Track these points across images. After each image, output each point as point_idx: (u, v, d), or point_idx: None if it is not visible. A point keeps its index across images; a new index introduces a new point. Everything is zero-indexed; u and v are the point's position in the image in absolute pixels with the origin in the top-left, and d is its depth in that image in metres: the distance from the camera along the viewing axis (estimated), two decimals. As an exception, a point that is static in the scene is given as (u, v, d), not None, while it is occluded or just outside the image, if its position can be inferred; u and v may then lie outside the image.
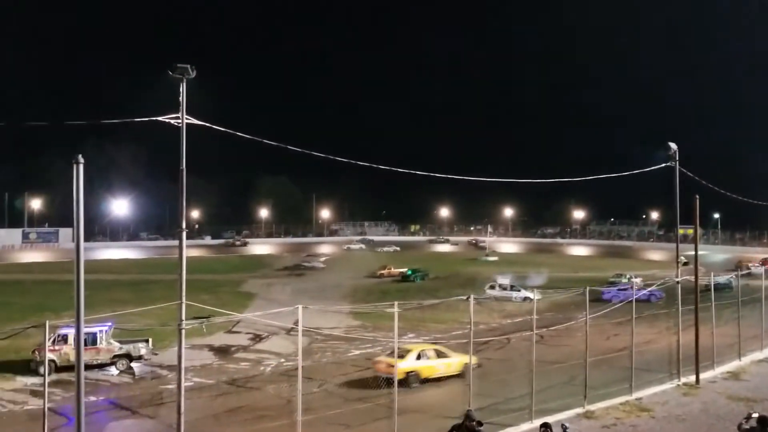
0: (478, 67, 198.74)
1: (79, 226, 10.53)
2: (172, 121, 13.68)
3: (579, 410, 18.01)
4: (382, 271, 59.57)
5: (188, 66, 13.28)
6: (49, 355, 23.19)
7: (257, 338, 30.70)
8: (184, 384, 12.77)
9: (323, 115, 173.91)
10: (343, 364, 25.60)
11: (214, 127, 14.84)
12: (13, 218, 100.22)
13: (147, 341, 25.76)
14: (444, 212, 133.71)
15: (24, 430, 17.87)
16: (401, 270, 58.82)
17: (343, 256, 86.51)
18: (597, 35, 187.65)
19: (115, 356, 24.77)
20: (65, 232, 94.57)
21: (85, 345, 23.32)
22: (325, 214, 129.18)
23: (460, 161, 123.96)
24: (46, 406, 12.15)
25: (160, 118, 13.80)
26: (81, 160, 10.58)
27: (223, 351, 28.21)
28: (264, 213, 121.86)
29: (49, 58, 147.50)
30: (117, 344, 25.06)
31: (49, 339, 23.20)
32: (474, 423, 11.60)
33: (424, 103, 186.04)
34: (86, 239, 10.79)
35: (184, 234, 13.52)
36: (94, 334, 24.54)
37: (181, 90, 13.55)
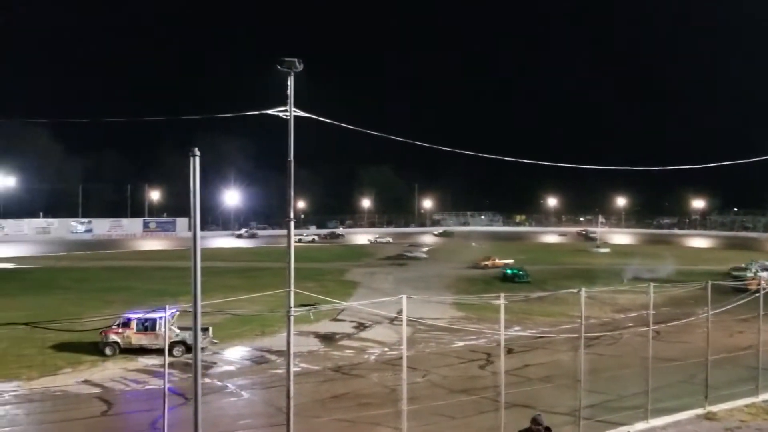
0: (583, 54, 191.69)
1: (196, 215, 10.94)
2: (280, 114, 13.97)
3: (699, 411, 16.98)
4: (486, 262, 58.78)
5: (295, 60, 13.48)
6: (114, 337, 25.60)
7: (361, 326, 31.10)
8: (293, 369, 13.05)
9: (427, 104, 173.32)
10: (447, 355, 25.46)
11: (320, 119, 15.04)
12: (135, 208, 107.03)
13: (207, 329, 26.14)
14: (552, 202, 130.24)
15: (148, 407, 18.91)
16: (506, 261, 57.87)
17: (445, 246, 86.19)
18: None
19: (171, 342, 24.62)
20: (182, 222, 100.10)
21: (146, 330, 25.48)
22: (428, 203, 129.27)
23: (568, 148, 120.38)
24: (166, 386, 12.76)
25: (268, 111, 14.12)
26: (197, 152, 10.97)
27: (328, 338, 28.77)
28: (366, 203, 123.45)
29: (166, 54, 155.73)
30: (177, 331, 25.42)
31: (114, 323, 25.52)
32: (541, 428, 10.87)
33: (530, 90, 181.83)
34: (201, 228, 11.19)
35: (292, 224, 13.78)
36: (155, 320, 25.42)
37: (288, 83, 13.79)
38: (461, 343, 27.52)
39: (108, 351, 25.22)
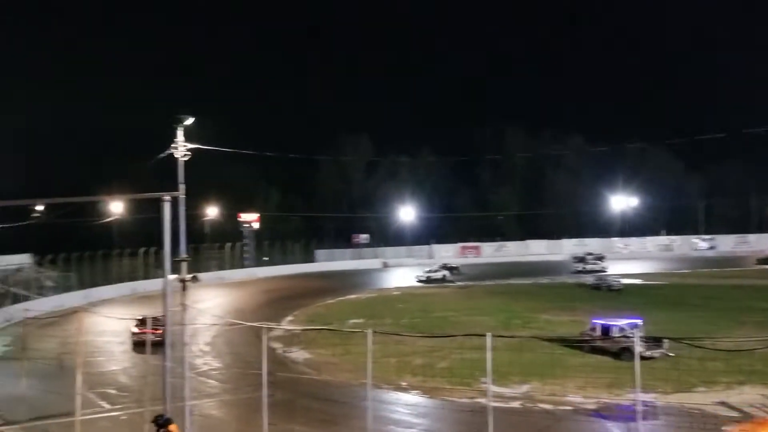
0: None
1: None
2: None
3: None
4: None
5: None
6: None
7: None
8: None
9: None
10: None
11: None
12: (763, 223, 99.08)
13: (661, 340, 26.95)
14: None
15: None
16: None
17: None
18: None
19: (620, 348, 27.29)
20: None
21: (604, 333, 28.93)
22: None
23: None
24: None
25: None
26: None
27: None
28: None
29: None
30: (630, 338, 26.87)
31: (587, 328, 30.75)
32: None
33: None
34: None
35: None
36: (609, 327, 29.02)
37: None
38: None
39: (586, 349, 29.27)
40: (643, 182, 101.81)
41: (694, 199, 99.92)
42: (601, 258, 79.29)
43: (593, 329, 29.79)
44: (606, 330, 29.00)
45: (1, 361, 28.01)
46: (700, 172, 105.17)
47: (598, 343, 28.68)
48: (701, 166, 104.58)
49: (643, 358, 25.32)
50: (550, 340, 29.82)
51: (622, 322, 29.22)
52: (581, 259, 79.59)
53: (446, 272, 66.01)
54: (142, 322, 28.58)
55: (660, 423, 19.47)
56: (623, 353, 26.74)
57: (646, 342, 26.70)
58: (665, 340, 26.96)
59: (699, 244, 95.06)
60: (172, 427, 13.14)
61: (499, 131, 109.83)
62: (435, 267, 68.61)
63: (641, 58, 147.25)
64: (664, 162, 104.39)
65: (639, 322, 29.34)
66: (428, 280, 63.66)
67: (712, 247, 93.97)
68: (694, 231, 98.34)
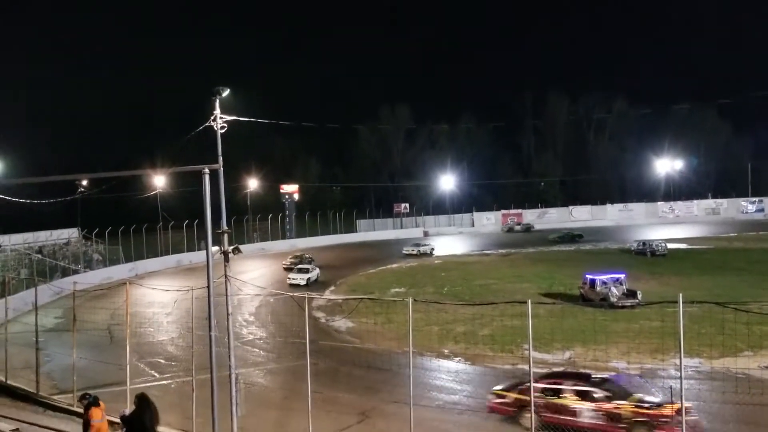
0: None
1: None
2: None
3: None
4: None
5: None
6: (581, 291, 33.90)
7: None
8: None
9: None
10: None
11: None
12: None
13: (635, 292, 32.14)
14: None
15: None
16: None
17: None
18: None
19: (600, 298, 31.65)
20: None
21: (590, 287, 32.97)
22: None
23: None
24: None
25: None
26: None
27: None
28: None
29: None
30: (614, 291, 31.80)
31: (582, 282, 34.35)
32: None
33: None
34: None
35: None
36: (594, 280, 32.77)
37: None
38: None
39: (581, 300, 32.85)
40: (689, 145, 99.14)
41: (741, 160, 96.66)
42: (530, 228, 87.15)
43: (585, 283, 33.73)
44: (592, 283, 32.85)
45: (53, 332, 28.96)
46: (747, 133, 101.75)
47: (588, 295, 32.88)
48: (749, 126, 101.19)
49: (617, 306, 30.97)
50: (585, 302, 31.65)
51: (605, 276, 32.89)
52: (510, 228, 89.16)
53: (318, 273, 46.81)
54: None
55: (705, 388, 19.20)
56: (603, 303, 30.89)
57: (624, 294, 32.09)
58: (639, 292, 32.13)
59: (747, 206, 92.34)
60: (100, 406, 13.09)
61: (541, 97, 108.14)
62: (298, 261, 50.96)
63: (685, 18, 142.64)
64: (711, 123, 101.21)
65: (621, 276, 33.16)
66: (301, 285, 43.05)
67: (760, 210, 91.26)
68: (743, 193, 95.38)
